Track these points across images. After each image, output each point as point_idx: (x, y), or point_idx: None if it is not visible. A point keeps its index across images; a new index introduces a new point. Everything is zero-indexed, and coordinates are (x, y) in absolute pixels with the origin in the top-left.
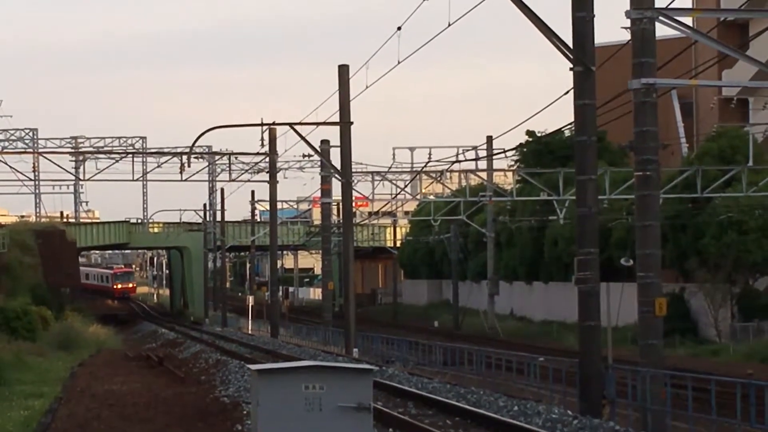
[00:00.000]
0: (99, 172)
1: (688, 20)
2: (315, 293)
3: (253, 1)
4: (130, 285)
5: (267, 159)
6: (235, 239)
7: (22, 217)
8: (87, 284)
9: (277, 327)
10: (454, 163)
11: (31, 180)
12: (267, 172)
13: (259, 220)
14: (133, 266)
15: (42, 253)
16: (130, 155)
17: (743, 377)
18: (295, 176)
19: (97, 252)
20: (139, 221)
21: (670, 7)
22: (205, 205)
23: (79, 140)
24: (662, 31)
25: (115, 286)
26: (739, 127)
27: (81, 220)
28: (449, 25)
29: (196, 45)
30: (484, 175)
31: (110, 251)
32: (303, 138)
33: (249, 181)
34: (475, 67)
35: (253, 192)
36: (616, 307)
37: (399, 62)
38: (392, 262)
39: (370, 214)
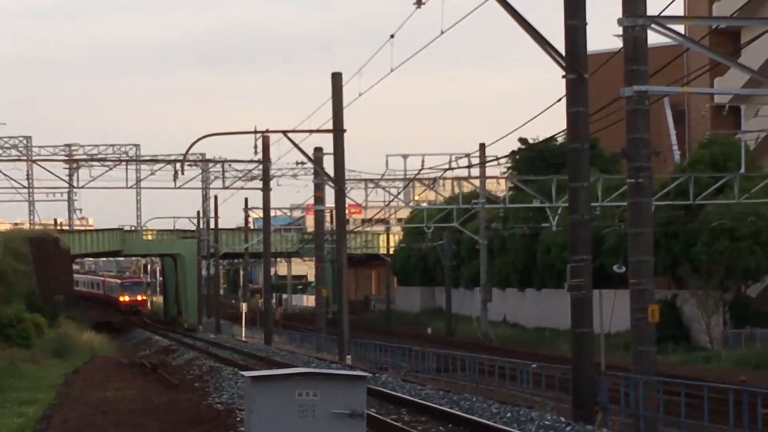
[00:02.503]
0: (93, 180)
1: (680, 28)
2: (308, 300)
3: (247, 8)
4: (139, 297)
5: (260, 166)
6: (228, 246)
7: (16, 224)
8: (88, 293)
9: (270, 334)
10: (446, 170)
11: (24, 187)
12: (260, 180)
13: (252, 227)
14: (127, 273)
15: (36, 261)
16: (124, 163)
17: (736, 384)
18: (289, 184)
19: (91, 259)
20: (133, 228)
21: (662, 14)
22: (198, 212)
23: (73, 148)
24: (654, 38)
25: (121, 298)
26: (731, 135)
27: (75, 228)
28: (442, 32)
29: (189, 53)
30: (476, 182)
31: (104, 258)
32: (296, 145)
33: (242, 188)
34: (467, 74)
35: (246, 199)
36: (608, 314)
37: (392, 70)
38: (385, 269)
39: (363, 221)
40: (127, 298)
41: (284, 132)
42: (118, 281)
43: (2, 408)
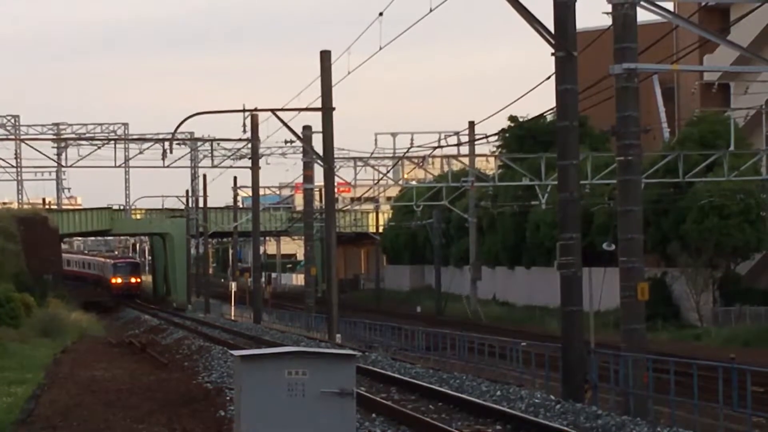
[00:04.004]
0: (81, 159)
1: (669, 5)
2: (298, 279)
3: None
4: (133, 280)
5: (249, 145)
6: (217, 225)
7: (4, 203)
8: (77, 273)
9: (259, 313)
10: (436, 148)
11: (13, 167)
12: (249, 158)
13: (241, 206)
14: (115, 252)
15: (24, 240)
16: (113, 141)
17: (725, 361)
18: (278, 162)
19: (80, 239)
20: (122, 208)
21: None
22: (187, 191)
23: (61, 127)
24: (643, 15)
25: (113, 281)
26: (720, 112)
27: (63, 207)
28: (431, 10)
29: (178, 31)
30: (466, 160)
31: (93, 238)
32: (285, 124)
33: (231, 167)
34: (456, 52)
35: (235, 178)
36: (598, 292)
37: (381, 48)
38: (375, 247)
39: (352, 199)
40: (119, 281)
41: (273, 110)
42: (110, 261)
43: None
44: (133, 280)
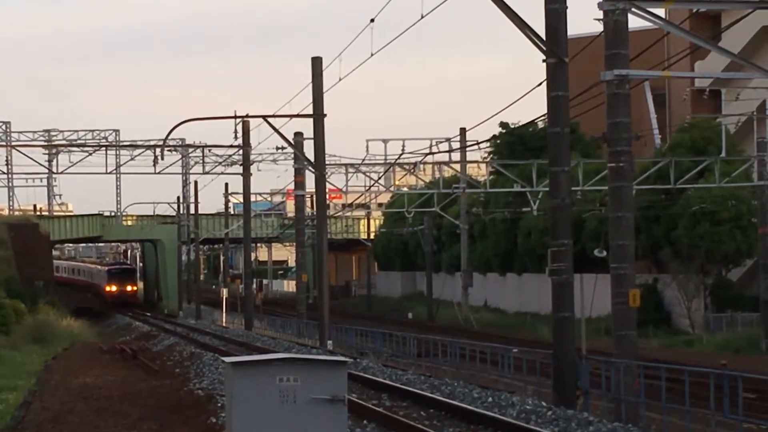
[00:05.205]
0: (72, 165)
1: (660, 11)
2: (289, 285)
3: None
4: (129, 288)
5: (240, 151)
6: (208, 232)
7: None
8: (71, 280)
9: (251, 319)
10: (427, 155)
11: (4, 173)
12: (240, 165)
13: (232, 212)
14: (106, 258)
15: (15, 247)
16: (104, 148)
17: (717, 368)
18: (269, 168)
19: (71, 245)
20: (113, 214)
21: None
22: (178, 197)
23: (52, 133)
24: (635, 22)
25: (107, 288)
26: (711, 118)
27: (54, 213)
28: (422, 17)
29: (169, 37)
30: (457, 166)
31: (84, 244)
32: (276, 130)
33: (222, 173)
34: (448, 58)
35: (226, 184)
36: (589, 299)
37: (372, 54)
38: (366, 254)
39: (343, 206)
40: (114, 288)
41: (264, 117)
42: (104, 268)
43: None
44: (129, 287)
